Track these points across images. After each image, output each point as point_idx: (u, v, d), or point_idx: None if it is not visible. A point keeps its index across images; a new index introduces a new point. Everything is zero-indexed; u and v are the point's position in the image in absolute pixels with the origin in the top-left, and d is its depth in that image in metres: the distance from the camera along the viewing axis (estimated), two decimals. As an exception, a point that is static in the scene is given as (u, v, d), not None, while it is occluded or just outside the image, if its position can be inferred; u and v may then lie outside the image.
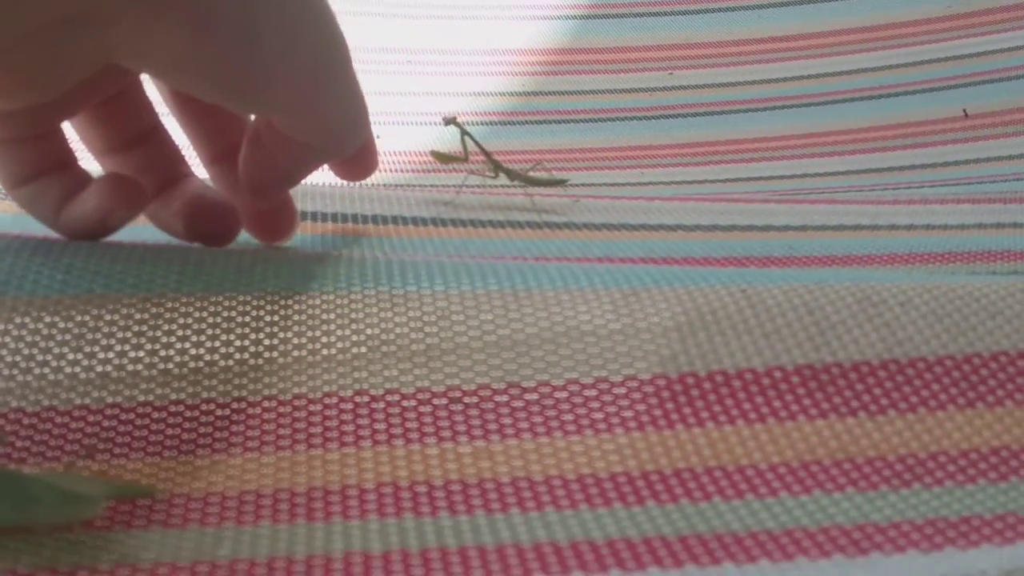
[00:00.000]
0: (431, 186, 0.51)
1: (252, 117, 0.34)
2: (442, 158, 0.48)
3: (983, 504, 0.26)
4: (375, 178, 0.41)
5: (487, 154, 0.47)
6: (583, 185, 0.66)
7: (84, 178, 0.33)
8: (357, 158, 0.38)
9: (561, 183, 0.47)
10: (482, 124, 0.78)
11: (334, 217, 0.43)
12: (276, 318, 0.30)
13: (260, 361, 0.29)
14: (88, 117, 0.34)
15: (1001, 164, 0.70)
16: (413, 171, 0.66)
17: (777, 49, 0.90)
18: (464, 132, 0.47)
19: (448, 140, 0.73)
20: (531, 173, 0.47)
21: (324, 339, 0.30)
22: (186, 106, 0.36)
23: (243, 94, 0.31)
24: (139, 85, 0.35)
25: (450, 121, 0.47)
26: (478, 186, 0.48)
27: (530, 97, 0.83)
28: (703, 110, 0.81)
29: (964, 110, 0.77)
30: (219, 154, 0.36)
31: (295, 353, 0.30)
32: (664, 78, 0.86)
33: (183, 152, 0.36)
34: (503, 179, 0.47)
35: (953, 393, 0.29)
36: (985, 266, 0.41)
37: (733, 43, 0.91)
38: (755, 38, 0.92)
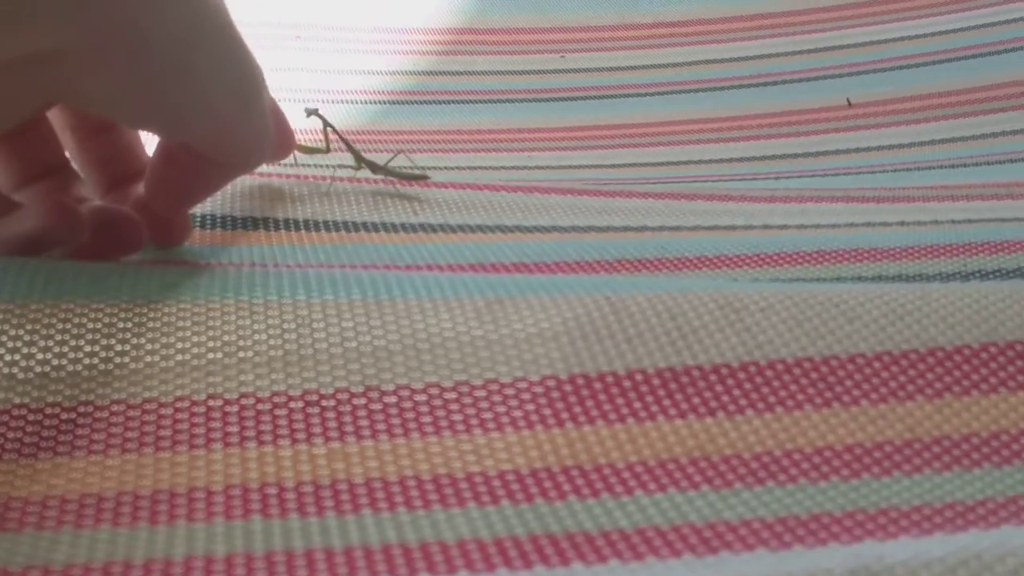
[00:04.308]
0: (310, 166, 0.50)
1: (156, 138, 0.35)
2: (305, 150, 0.47)
3: (834, 501, 0.26)
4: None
5: (349, 146, 0.47)
6: (469, 168, 0.65)
7: (7, 202, 0.34)
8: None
9: (423, 178, 0.47)
10: (372, 103, 0.77)
11: (204, 220, 0.41)
12: (129, 325, 0.29)
13: (110, 366, 0.28)
14: None
15: (882, 153, 0.71)
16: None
17: (668, 35, 0.90)
18: (326, 124, 0.47)
19: (336, 116, 0.72)
20: (393, 165, 0.46)
21: (178, 345, 0.29)
22: (87, 140, 0.37)
23: (175, 123, 0.32)
24: (46, 119, 0.36)
25: (311, 112, 0.46)
26: (349, 175, 0.47)
27: (421, 77, 0.82)
28: (594, 93, 0.81)
29: (848, 99, 0.78)
30: (113, 182, 0.37)
31: (147, 359, 0.29)
32: (556, 60, 0.86)
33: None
34: (365, 171, 0.46)
35: (810, 393, 0.30)
36: (851, 267, 0.42)
37: (625, 27, 0.91)
38: (647, 23, 0.92)
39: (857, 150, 0.71)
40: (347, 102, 0.76)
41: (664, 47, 0.89)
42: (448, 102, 0.79)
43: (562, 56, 0.87)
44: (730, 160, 0.70)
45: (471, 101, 0.79)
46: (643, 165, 0.69)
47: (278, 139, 0.40)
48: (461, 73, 0.83)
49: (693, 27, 0.92)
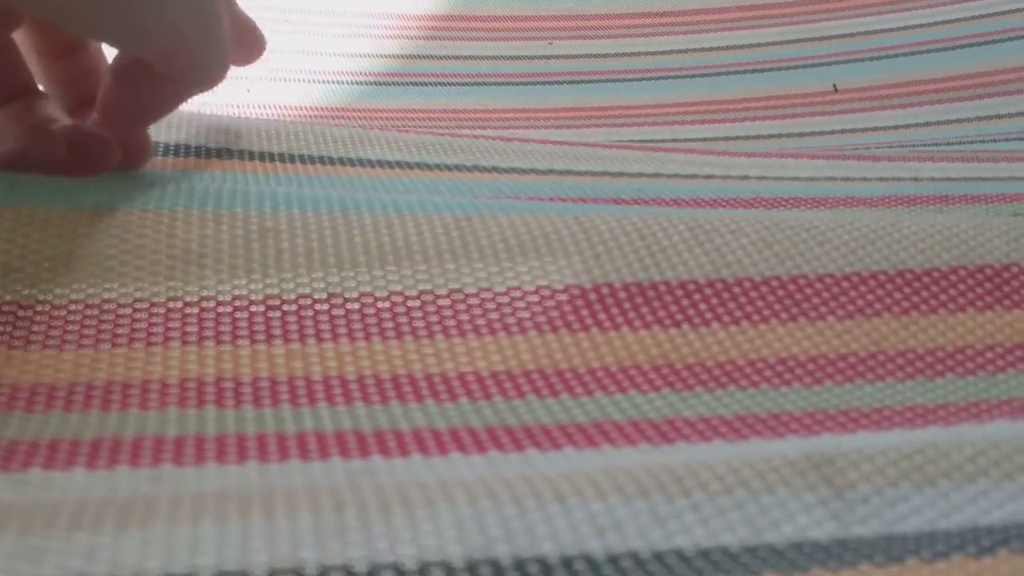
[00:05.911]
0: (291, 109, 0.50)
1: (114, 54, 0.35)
2: None
3: (794, 404, 0.26)
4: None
5: None
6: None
7: None
8: (245, 44, 0.40)
9: None
10: (359, 84, 0.77)
11: (177, 149, 0.41)
12: (90, 230, 0.29)
13: (69, 268, 0.28)
14: None
15: (866, 135, 0.71)
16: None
17: (654, 24, 0.91)
18: None
19: (324, 95, 0.72)
20: None
21: (139, 250, 0.29)
22: (53, 62, 0.37)
23: (130, 34, 0.32)
24: (12, 43, 0.35)
25: None
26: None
27: (408, 60, 0.82)
28: (581, 78, 0.81)
29: (834, 85, 0.78)
30: (78, 103, 0.37)
31: (107, 263, 0.29)
32: (543, 48, 0.86)
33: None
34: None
35: (776, 309, 0.29)
36: (827, 213, 0.42)
37: (614, 16, 0.92)
38: (636, 12, 0.92)
39: (843, 131, 0.71)
40: (334, 82, 0.76)
41: (650, 36, 0.89)
42: (434, 84, 0.79)
43: (549, 43, 0.87)
44: (714, 139, 0.70)
45: (457, 83, 0.79)
46: (625, 143, 0.69)
47: (248, 42, 0.40)
48: (447, 57, 0.83)
49: (678, 17, 0.92)
